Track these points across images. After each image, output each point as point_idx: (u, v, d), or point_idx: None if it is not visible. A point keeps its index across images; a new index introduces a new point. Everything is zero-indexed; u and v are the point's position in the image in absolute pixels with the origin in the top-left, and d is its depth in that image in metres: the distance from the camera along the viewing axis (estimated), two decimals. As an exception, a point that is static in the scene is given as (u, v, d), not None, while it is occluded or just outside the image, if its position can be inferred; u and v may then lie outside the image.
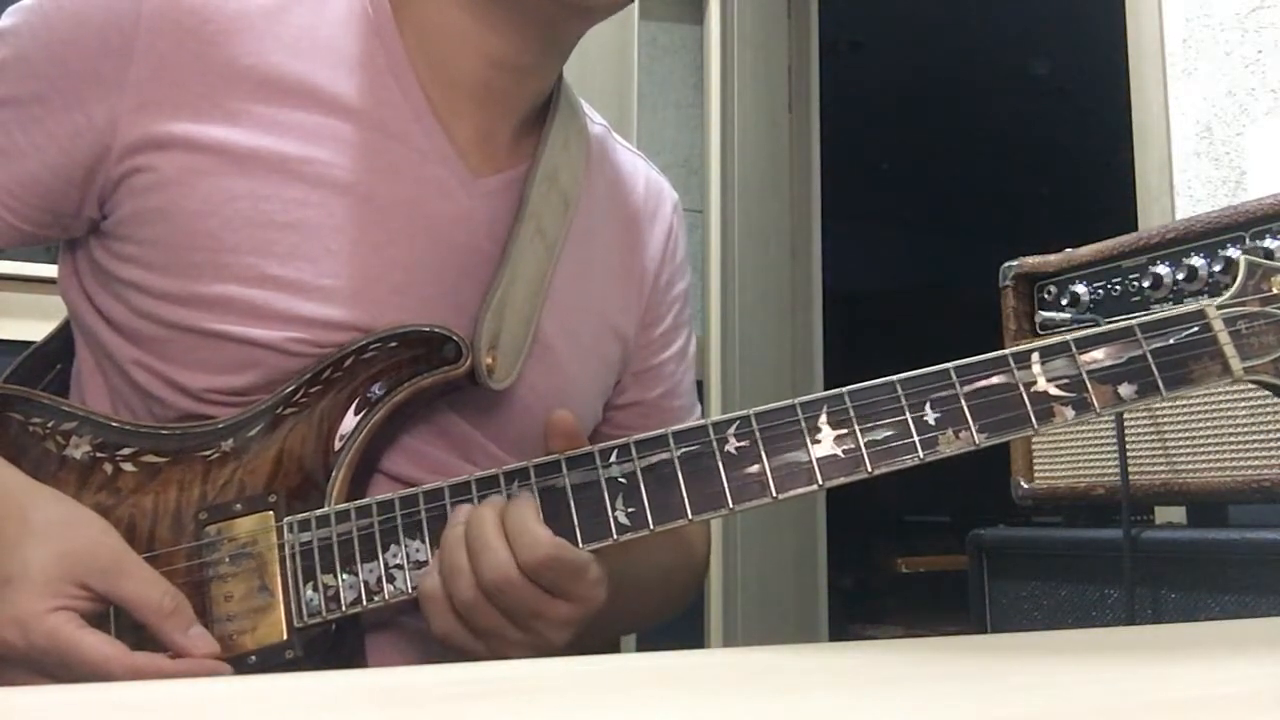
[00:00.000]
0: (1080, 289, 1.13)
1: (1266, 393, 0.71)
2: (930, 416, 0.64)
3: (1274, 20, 1.54)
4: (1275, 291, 0.65)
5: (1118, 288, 1.11)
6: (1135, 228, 1.54)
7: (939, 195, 5.72)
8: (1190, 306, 0.66)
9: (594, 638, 0.75)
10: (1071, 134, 4.82)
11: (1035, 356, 0.65)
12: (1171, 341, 0.65)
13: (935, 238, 6.08)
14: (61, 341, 0.82)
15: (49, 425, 0.71)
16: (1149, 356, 0.65)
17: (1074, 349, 0.65)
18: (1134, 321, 0.66)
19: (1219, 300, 0.66)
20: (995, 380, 0.65)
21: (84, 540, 0.64)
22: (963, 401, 0.64)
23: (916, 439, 0.64)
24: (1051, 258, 1.17)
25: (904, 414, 0.65)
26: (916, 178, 5.51)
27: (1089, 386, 0.64)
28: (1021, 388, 0.65)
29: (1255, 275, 0.66)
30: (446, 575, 0.65)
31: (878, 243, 5.86)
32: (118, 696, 0.34)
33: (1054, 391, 0.64)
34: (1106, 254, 1.12)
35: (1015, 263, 1.19)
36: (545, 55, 0.81)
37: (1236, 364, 0.64)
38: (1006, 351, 0.66)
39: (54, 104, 0.72)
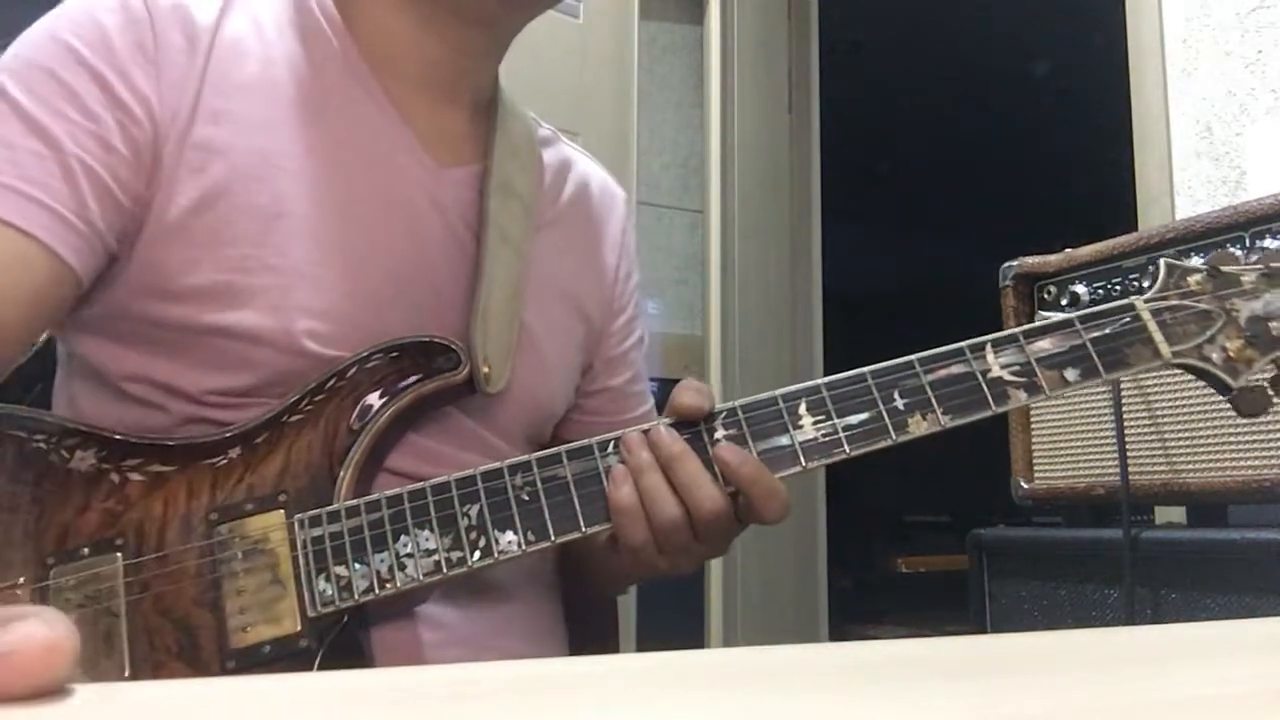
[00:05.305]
0: (1080, 289, 1.13)
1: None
2: (900, 403, 0.70)
3: (1274, 20, 1.54)
4: (1193, 288, 0.74)
5: (1118, 287, 1.11)
6: (1135, 228, 1.54)
7: (939, 195, 5.72)
8: (1120, 302, 0.74)
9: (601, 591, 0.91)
10: (1071, 134, 4.82)
11: (989, 347, 0.72)
12: (1108, 331, 0.73)
13: (935, 238, 6.08)
14: (37, 361, 0.83)
15: (53, 440, 0.71)
16: (1088, 345, 0.72)
17: (1022, 340, 0.72)
18: (1073, 315, 0.73)
19: (1145, 296, 0.74)
20: (955, 369, 0.71)
21: None
22: (927, 389, 0.70)
23: (888, 422, 0.70)
24: (1051, 258, 1.17)
25: (876, 401, 0.70)
26: (916, 178, 5.51)
27: (1038, 372, 0.71)
28: (979, 375, 0.71)
29: (1174, 274, 0.74)
30: (648, 498, 0.70)
31: (878, 243, 5.86)
32: (118, 696, 0.34)
33: (1008, 377, 0.71)
34: (1106, 254, 1.12)
35: (1015, 263, 1.19)
36: (485, 56, 0.85)
37: (1165, 349, 0.72)
38: (963, 344, 0.72)
39: (106, 122, 0.72)
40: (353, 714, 0.30)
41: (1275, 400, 0.72)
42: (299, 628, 0.67)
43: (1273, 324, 0.72)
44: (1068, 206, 4.75)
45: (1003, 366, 0.71)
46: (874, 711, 0.30)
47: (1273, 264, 0.74)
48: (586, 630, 0.93)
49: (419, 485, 0.70)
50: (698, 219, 2.56)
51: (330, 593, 0.68)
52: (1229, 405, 0.73)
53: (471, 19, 0.81)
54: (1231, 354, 0.72)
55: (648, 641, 1.73)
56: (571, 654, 0.89)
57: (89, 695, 0.30)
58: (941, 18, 4.10)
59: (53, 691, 0.30)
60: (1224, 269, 0.74)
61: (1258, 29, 1.56)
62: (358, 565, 0.68)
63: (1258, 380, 0.72)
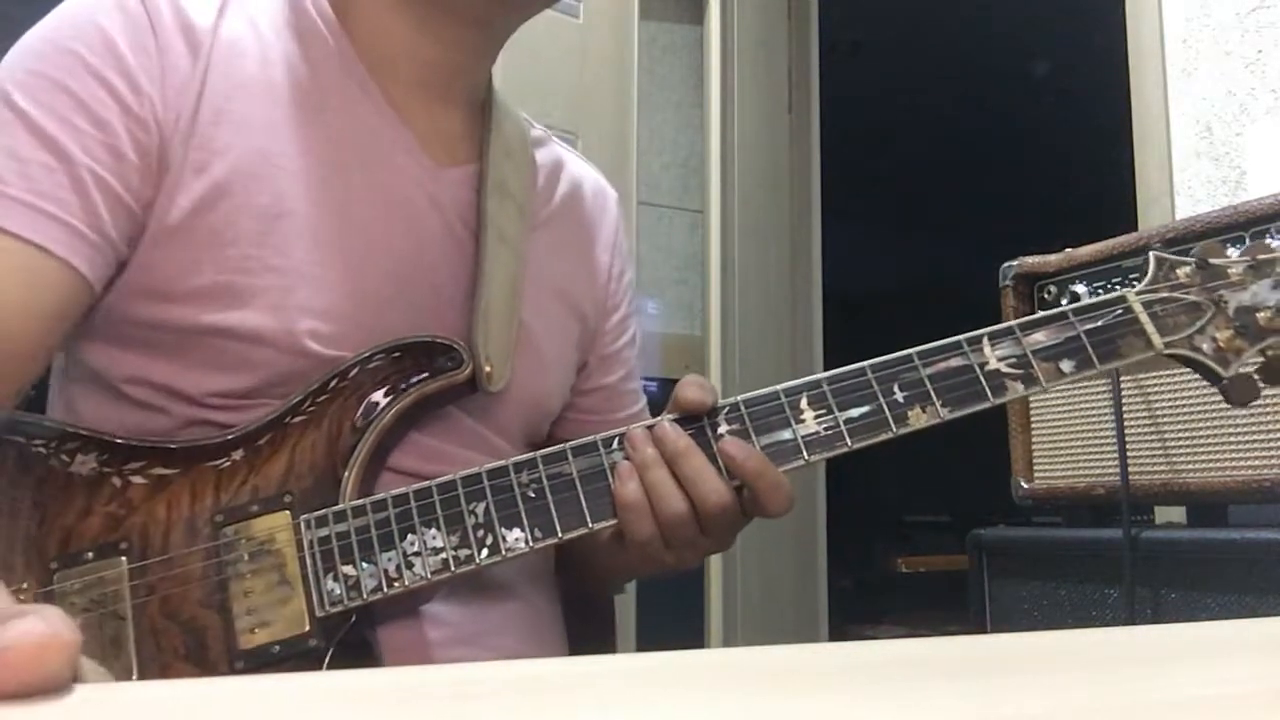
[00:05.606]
0: (1080, 289, 1.13)
1: (1265, 392, 0.74)
2: (899, 395, 0.71)
3: (1274, 20, 1.54)
4: (1182, 280, 0.74)
5: (1118, 287, 1.11)
6: (1135, 228, 1.54)
7: (939, 195, 5.72)
8: (1113, 294, 0.75)
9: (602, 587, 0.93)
10: (1071, 134, 4.82)
11: (985, 340, 0.73)
12: (1101, 323, 0.73)
13: (935, 238, 6.08)
14: None
15: (53, 444, 0.71)
16: (1083, 336, 0.73)
17: (1018, 332, 0.73)
18: (1068, 308, 0.74)
19: (1136, 289, 0.75)
20: (953, 362, 0.72)
21: None
22: (926, 382, 0.71)
23: (889, 415, 0.70)
24: (1051, 258, 1.17)
25: (876, 394, 0.71)
26: (916, 178, 5.51)
27: (1034, 364, 0.72)
28: (976, 368, 0.72)
29: (1164, 267, 0.75)
30: (654, 494, 0.70)
31: (878, 243, 5.86)
32: (120, 695, 0.34)
33: (1005, 369, 0.72)
34: (1106, 254, 1.12)
35: (1015, 263, 1.19)
36: (480, 55, 0.86)
37: (1157, 340, 0.73)
38: (960, 337, 0.73)
39: (116, 130, 0.72)
40: (356, 714, 0.30)
41: (1264, 389, 0.73)
42: (307, 627, 0.67)
43: (1261, 314, 0.73)
44: (1068, 206, 4.74)
45: (1000, 359, 0.72)
46: (874, 711, 0.30)
47: (1260, 256, 0.74)
48: (586, 630, 0.93)
49: (424, 484, 0.70)
50: (698, 219, 2.56)
51: (339, 592, 0.68)
52: (1223, 400, 0.73)
53: (467, 19, 0.81)
54: (1221, 344, 0.73)
55: (648, 641, 1.73)
56: (571, 654, 0.89)
57: (89, 695, 0.30)
58: (941, 18, 4.10)
59: (51, 689, 0.30)
60: (1212, 261, 0.74)
61: (1258, 29, 1.56)
62: (365, 564, 0.68)
63: (1247, 369, 0.73)
